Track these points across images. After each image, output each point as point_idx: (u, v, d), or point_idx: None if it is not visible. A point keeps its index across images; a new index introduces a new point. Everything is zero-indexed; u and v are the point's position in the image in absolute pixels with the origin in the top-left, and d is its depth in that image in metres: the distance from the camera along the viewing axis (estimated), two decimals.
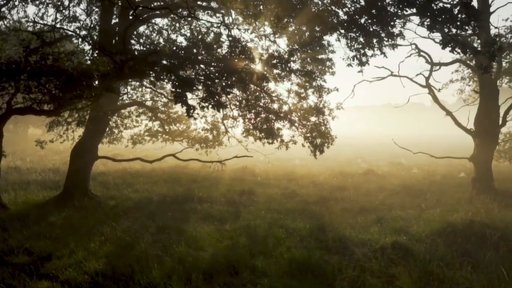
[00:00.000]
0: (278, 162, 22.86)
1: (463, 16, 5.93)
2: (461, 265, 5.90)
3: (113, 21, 12.60)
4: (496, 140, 12.42)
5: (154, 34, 15.59)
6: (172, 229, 8.34)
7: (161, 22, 14.27)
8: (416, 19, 7.77)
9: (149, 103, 15.82)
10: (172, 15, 12.39)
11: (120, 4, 11.13)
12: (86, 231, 8.09)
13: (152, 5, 12.29)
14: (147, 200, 11.46)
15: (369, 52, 8.19)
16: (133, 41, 13.90)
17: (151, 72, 6.78)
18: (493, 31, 16.85)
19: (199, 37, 13.67)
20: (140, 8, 10.74)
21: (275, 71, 10.66)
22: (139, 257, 6.44)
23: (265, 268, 5.97)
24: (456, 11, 6.00)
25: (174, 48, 7.16)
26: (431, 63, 13.41)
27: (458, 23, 5.97)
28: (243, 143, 14.11)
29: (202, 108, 6.00)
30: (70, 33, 11.36)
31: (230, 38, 12.69)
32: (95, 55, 6.42)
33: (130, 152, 24.68)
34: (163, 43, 14.76)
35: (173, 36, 15.36)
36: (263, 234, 7.91)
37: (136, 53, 6.09)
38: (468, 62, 13.66)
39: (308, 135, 11.36)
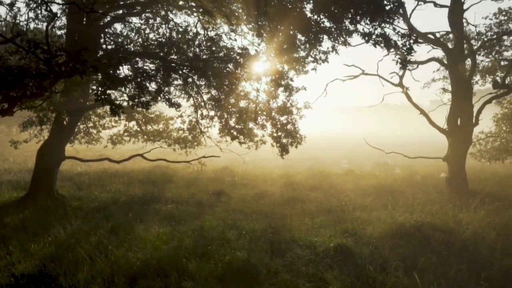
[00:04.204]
0: (264, 163, 22.68)
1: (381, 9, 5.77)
2: (396, 269, 5.70)
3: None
4: (469, 140, 12.09)
5: (133, 34, 15.54)
6: (124, 230, 8.20)
7: (138, 21, 14.13)
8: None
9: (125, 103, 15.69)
10: (136, 17, 12.27)
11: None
12: (36, 232, 8.00)
13: (122, 3, 12.16)
14: (113, 201, 11.34)
15: (323, 49, 8.00)
16: (108, 40, 13.83)
17: (92, 70, 6.66)
18: (472, 28, 16.54)
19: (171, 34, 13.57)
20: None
21: (244, 70, 10.53)
22: (73, 259, 6.31)
23: (195, 271, 5.81)
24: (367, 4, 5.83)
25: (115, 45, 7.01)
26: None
27: (373, 16, 5.80)
28: (221, 143, 13.99)
29: (133, 106, 5.86)
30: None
31: (206, 37, 12.58)
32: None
33: (117, 153, 24.68)
34: (141, 42, 14.69)
35: (151, 36, 15.27)
36: (213, 236, 7.74)
37: (69, 52, 5.92)
38: (443, 60, 13.37)
39: (275, 134, 11.19)
